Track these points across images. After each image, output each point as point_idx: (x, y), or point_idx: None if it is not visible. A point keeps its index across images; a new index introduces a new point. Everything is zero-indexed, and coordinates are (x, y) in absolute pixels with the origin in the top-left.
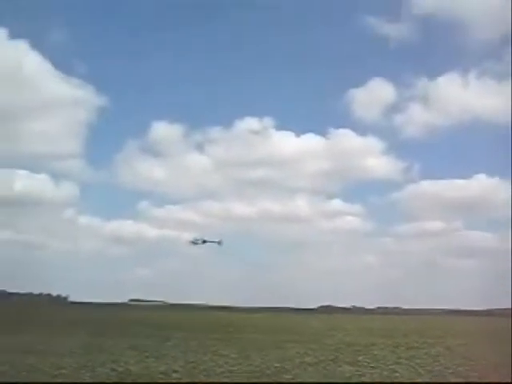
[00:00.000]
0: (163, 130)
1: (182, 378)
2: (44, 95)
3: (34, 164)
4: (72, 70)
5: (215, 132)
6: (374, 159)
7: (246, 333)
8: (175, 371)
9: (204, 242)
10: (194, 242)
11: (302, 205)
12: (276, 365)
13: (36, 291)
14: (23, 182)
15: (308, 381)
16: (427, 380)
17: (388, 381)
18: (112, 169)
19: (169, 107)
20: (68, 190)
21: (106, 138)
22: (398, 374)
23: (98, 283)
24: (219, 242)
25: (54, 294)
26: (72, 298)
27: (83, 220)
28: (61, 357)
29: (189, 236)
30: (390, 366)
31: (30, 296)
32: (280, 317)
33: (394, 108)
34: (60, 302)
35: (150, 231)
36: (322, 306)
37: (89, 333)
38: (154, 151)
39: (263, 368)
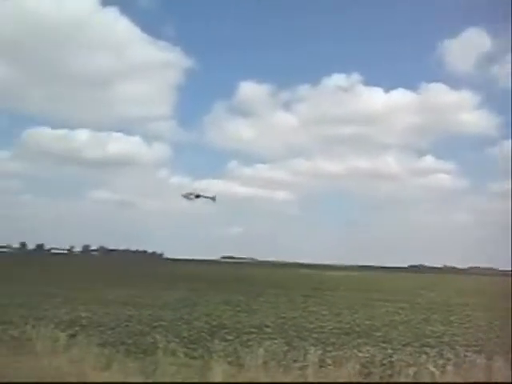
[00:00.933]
0: (251, 90)
1: (274, 332)
2: (134, 59)
3: (127, 126)
4: (160, 34)
5: (303, 90)
6: (468, 114)
7: (336, 290)
8: (267, 326)
9: (197, 196)
10: (187, 197)
11: (391, 162)
12: (366, 322)
13: (133, 248)
14: (118, 144)
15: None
16: None
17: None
18: (202, 129)
19: (256, 67)
20: (160, 150)
21: (195, 99)
22: (492, 335)
23: (191, 241)
24: (213, 198)
25: (150, 250)
26: (166, 255)
27: (175, 179)
28: (158, 309)
29: (279, 194)
30: (484, 328)
31: (127, 253)
32: (370, 275)
33: (489, 59)
34: (155, 258)
35: (240, 190)
36: (412, 265)
37: (184, 288)
38: (241, 111)
39: (353, 325)
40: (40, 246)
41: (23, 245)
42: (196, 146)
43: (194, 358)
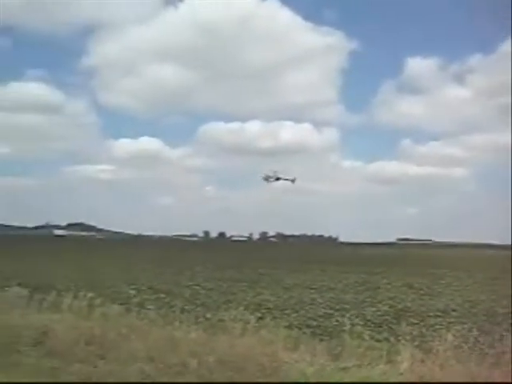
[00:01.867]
0: (418, 66)
1: (461, 316)
2: (298, 47)
3: (296, 114)
4: (321, 20)
5: (474, 60)
6: None
7: None
8: (453, 310)
9: (278, 179)
10: (267, 180)
11: None
12: None
13: (309, 233)
14: (289, 132)
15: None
16: None
17: None
18: (370, 111)
19: (421, 42)
20: (330, 135)
21: (360, 81)
22: None
23: (365, 223)
24: (293, 180)
25: (326, 235)
26: (342, 239)
27: (347, 163)
28: (340, 292)
29: (455, 172)
30: None
31: (303, 238)
32: None
33: None
34: (331, 242)
35: (413, 169)
36: None
37: (362, 271)
38: (410, 88)
39: None
40: (222, 234)
41: (207, 233)
42: (365, 129)
43: (379, 340)
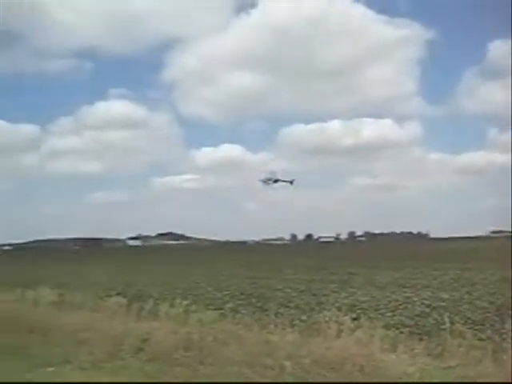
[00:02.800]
0: (501, 49)
1: None
2: (373, 42)
3: (376, 110)
4: (395, 12)
5: None
6: None
7: None
8: None
9: (276, 181)
10: (265, 182)
11: None
12: None
13: (398, 230)
14: (370, 128)
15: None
16: None
17: None
18: (452, 101)
19: (503, 24)
20: (412, 129)
21: (440, 70)
22: None
23: (456, 217)
24: (291, 182)
25: (415, 231)
26: (432, 234)
27: (432, 157)
28: (436, 290)
29: None
30: None
31: (392, 235)
32: None
33: None
34: (421, 238)
35: (502, 158)
36: None
37: (455, 267)
38: (494, 73)
39: None
40: (309, 236)
41: (294, 236)
42: (449, 120)
43: (482, 339)
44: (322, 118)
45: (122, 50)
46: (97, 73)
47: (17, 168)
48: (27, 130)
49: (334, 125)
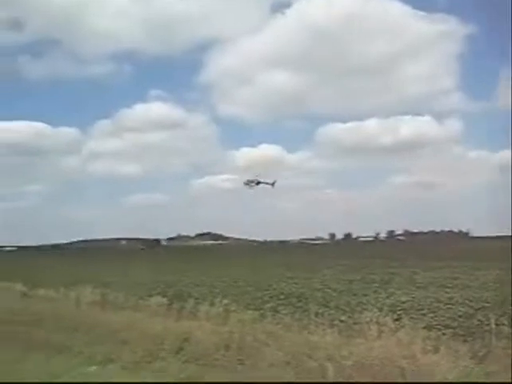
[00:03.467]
0: None
1: None
2: (411, 38)
3: (415, 107)
4: (432, 7)
5: None
6: None
7: None
8: None
9: (258, 183)
10: (248, 184)
11: None
12: None
13: (438, 229)
14: (408, 126)
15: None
16: None
17: None
18: (493, 96)
19: None
20: (452, 126)
21: (480, 65)
22: None
23: (497, 216)
24: (273, 184)
25: (455, 230)
26: (473, 233)
27: (472, 154)
28: (478, 290)
29: None
30: None
31: (432, 234)
32: None
33: None
34: (461, 237)
35: None
36: None
37: (497, 266)
38: None
39: None
40: (348, 235)
41: (332, 236)
42: (490, 115)
43: None
44: (360, 117)
45: (160, 52)
46: (135, 75)
47: (57, 170)
48: (68, 132)
49: (372, 123)
